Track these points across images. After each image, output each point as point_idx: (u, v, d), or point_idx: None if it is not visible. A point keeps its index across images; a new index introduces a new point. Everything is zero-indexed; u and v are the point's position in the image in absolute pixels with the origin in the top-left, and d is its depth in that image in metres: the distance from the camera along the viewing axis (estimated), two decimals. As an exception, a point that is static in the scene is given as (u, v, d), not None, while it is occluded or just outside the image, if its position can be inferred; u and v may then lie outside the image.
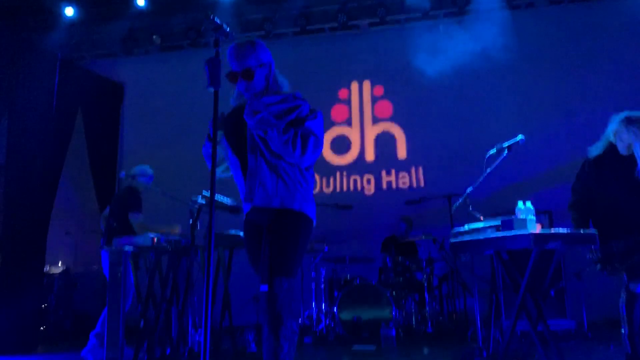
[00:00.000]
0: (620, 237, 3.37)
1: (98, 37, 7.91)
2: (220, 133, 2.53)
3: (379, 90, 7.84)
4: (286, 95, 2.52)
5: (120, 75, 8.24)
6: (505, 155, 4.30)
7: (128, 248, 4.29)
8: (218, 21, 2.10)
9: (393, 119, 7.72)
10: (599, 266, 3.49)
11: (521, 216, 3.28)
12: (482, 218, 3.82)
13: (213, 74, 2.17)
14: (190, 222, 4.35)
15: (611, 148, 3.60)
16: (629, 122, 3.51)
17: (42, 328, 6.40)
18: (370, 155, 7.70)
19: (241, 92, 2.60)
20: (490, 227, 3.49)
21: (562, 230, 3.19)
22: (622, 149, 3.56)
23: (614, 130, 3.58)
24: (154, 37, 7.74)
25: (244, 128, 2.48)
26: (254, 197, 2.43)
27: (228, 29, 2.13)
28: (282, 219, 2.39)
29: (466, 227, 3.72)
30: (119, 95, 8.26)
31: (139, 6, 7.16)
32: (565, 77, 7.10)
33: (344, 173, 7.67)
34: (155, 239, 4.20)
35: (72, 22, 7.42)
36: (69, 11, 7.22)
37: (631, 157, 3.50)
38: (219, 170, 2.61)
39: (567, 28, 7.08)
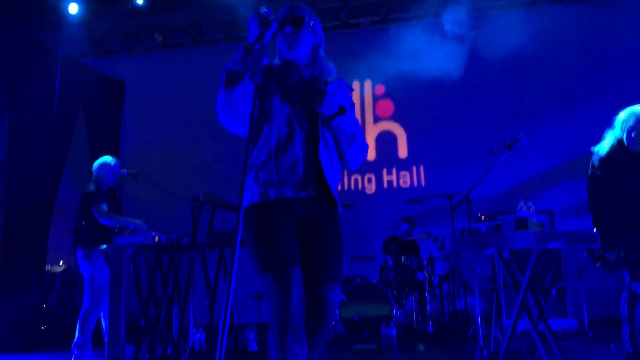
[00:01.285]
0: (629, 232, 3.34)
1: (100, 35, 7.92)
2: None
3: (380, 89, 7.84)
4: (338, 81, 2.22)
5: (121, 73, 8.23)
6: (506, 154, 4.31)
7: (129, 247, 4.30)
8: (265, 12, 1.95)
9: (394, 118, 7.72)
10: (598, 264, 3.47)
11: (522, 215, 3.28)
12: (483, 217, 3.83)
13: (255, 66, 1.93)
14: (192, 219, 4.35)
15: (619, 146, 3.54)
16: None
17: (43, 327, 6.40)
18: (371, 154, 7.69)
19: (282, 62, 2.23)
20: (491, 225, 3.49)
21: (563, 229, 3.19)
22: (634, 145, 3.50)
23: (627, 126, 3.50)
24: (156, 35, 7.75)
25: (309, 102, 2.13)
26: (332, 189, 2.09)
27: (274, 21, 1.97)
28: (337, 217, 2.14)
29: (467, 226, 3.71)
30: (121, 92, 8.26)
31: (138, 4, 7.14)
32: (567, 76, 7.09)
33: (345, 172, 7.67)
34: (157, 238, 4.20)
35: (74, 20, 7.42)
36: (73, 8, 7.20)
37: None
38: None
39: (569, 27, 7.06)
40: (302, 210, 2.05)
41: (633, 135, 3.46)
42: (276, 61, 2.25)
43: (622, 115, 3.54)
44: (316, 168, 2.06)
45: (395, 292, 5.76)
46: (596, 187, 3.53)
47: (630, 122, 3.47)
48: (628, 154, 3.48)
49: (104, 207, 4.63)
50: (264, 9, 1.94)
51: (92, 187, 4.79)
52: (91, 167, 4.97)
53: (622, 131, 3.50)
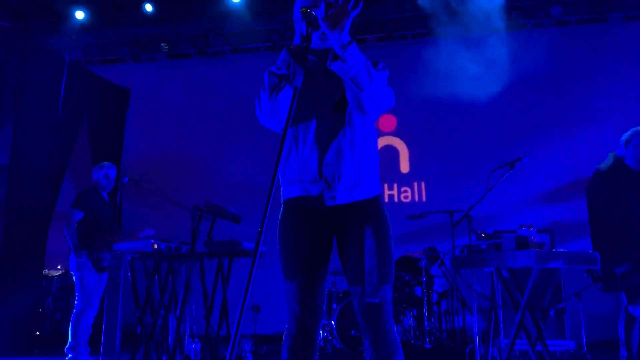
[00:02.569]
0: (628, 255, 3.34)
1: (106, 42, 7.98)
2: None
3: (384, 104, 7.85)
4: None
5: (126, 81, 8.28)
6: (507, 172, 4.32)
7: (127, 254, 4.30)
8: (314, 13, 1.84)
9: (396, 133, 7.73)
10: (600, 285, 3.45)
11: (522, 234, 3.28)
12: (483, 235, 3.82)
13: (297, 69, 1.83)
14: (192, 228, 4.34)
15: (620, 164, 3.56)
16: None
17: (37, 333, 6.37)
18: (373, 169, 7.69)
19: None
20: (491, 244, 3.48)
21: (563, 249, 3.19)
22: (633, 164, 3.52)
23: (629, 144, 3.53)
24: (162, 44, 7.80)
25: (328, 82, 2.01)
26: (356, 184, 1.97)
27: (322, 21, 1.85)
28: (365, 213, 1.99)
29: (467, 243, 3.71)
30: (125, 100, 8.30)
31: (147, 11, 7.18)
32: (569, 97, 7.11)
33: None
34: (156, 246, 4.20)
35: (81, 27, 7.47)
36: (79, 15, 7.26)
37: None
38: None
39: (572, 49, 7.11)
40: (325, 209, 1.98)
41: (633, 153, 3.50)
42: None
43: (627, 134, 3.60)
44: (337, 163, 1.95)
45: (393, 308, 5.72)
46: (592, 201, 3.56)
47: (633, 141, 3.52)
48: (628, 172, 3.51)
49: (75, 215, 4.69)
50: (313, 10, 1.85)
51: (84, 189, 4.93)
52: (92, 173, 5.02)
53: (625, 150, 3.55)
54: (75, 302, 4.64)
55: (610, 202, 3.47)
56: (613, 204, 3.46)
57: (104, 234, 4.70)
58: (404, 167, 7.62)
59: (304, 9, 1.87)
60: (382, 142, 7.76)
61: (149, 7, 7.16)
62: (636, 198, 3.43)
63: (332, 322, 5.57)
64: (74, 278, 4.72)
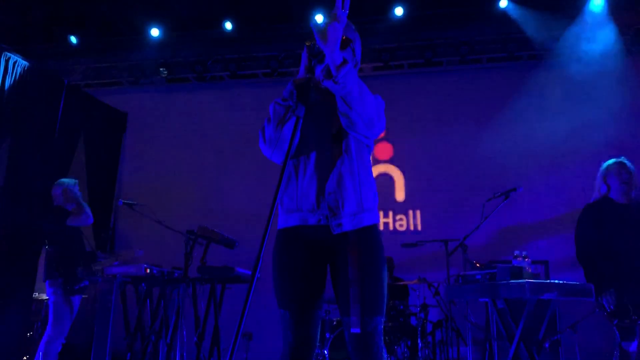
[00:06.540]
0: (629, 288, 3.34)
1: (105, 66, 8.03)
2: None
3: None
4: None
5: (124, 104, 8.31)
6: (503, 203, 4.33)
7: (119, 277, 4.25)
8: (318, 46, 1.84)
9: (393, 161, 7.76)
10: (615, 321, 3.40)
11: (517, 265, 3.27)
12: (478, 264, 3.81)
13: (301, 100, 1.89)
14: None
15: (606, 199, 3.63)
16: (621, 166, 3.59)
17: (25, 358, 6.25)
18: (368, 196, 7.68)
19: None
20: (486, 274, 3.46)
21: (558, 281, 3.17)
22: (619, 194, 3.57)
23: (612, 174, 3.62)
24: (161, 69, 7.85)
25: (327, 113, 2.04)
26: (353, 213, 1.97)
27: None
28: (369, 237, 2.00)
29: (462, 273, 3.69)
30: (122, 123, 8.32)
31: (153, 36, 7.24)
32: (565, 128, 7.15)
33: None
34: (148, 270, 4.16)
35: (81, 51, 7.53)
36: (75, 39, 7.34)
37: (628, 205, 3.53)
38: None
39: (568, 80, 7.19)
40: (321, 238, 1.99)
41: (617, 185, 3.56)
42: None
43: (601, 172, 3.70)
44: (339, 191, 1.96)
45: (387, 337, 5.66)
46: (579, 232, 3.60)
47: (612, 171, 3.61)
48: (613, 205, 3.57)
49: (75, 219, 4.56)
50: (317, 44, 1.86)
51: (50, 211, 4.76)
52: (87, 195, 4.92)
53: (605, 185, 3.64)
54: (47, 328, 4.39)
55: (593, 232, 3.53)
56: (598, 236, 3.51)
57: (80, 259, 4.51)
58: (400, 195, 7.63)
59: (308, 42, 1.92)
60: (377, 170, 7.78)
61: (155, 32, 7.22)
62: (622, 230, 3.47)
63: (325, 351, 5.49)
64: (49, 303, 4.47)
